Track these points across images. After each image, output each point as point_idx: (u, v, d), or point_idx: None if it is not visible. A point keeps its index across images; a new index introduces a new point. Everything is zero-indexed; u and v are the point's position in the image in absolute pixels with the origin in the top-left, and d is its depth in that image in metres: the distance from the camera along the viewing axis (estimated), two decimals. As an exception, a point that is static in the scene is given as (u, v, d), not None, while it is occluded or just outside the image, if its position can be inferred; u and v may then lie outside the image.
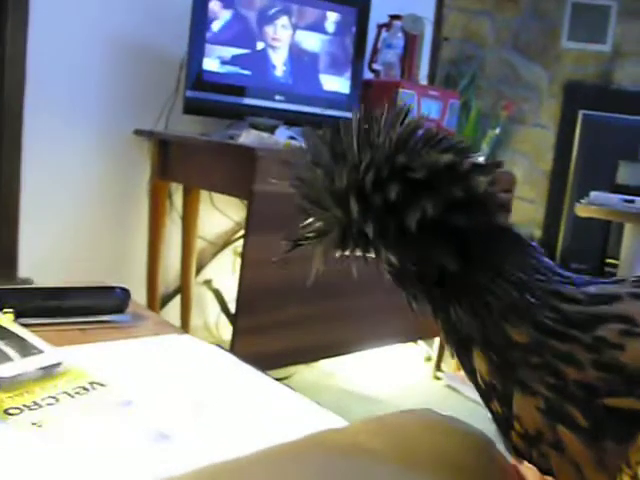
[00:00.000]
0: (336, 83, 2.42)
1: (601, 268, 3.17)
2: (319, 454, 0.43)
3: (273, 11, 2.23)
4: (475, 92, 3.04)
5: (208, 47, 2.13)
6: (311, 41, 2.33)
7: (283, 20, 2.25)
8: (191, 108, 2.16)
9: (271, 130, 2.10)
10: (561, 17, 2.98)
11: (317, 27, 2.34)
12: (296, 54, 2.31)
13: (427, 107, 2.46)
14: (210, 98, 2.16)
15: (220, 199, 2.48)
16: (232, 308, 2.55)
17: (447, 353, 2.83)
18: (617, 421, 0.38)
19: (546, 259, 0.43)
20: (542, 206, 3.33)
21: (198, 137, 2.21)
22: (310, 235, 0.44)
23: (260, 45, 2.25)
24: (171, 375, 0.72)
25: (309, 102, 2.35)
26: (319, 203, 0.43)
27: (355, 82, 2.44)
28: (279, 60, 2.28)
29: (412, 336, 2.61)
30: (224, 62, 2.17)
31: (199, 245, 2.53)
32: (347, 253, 0.44)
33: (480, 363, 0.42)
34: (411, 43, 2.64)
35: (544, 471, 0.43)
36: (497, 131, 2.73)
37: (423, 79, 2.95)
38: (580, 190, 2.85)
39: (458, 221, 0.41)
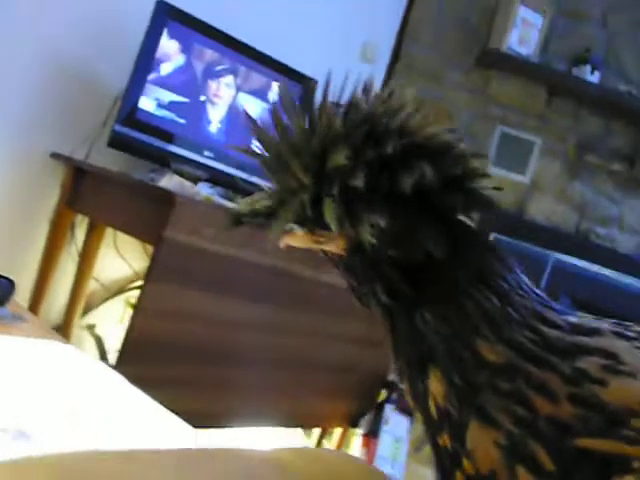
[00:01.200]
0: (267, 153, 2.41)
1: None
2: (237, 459, 0.37)
3: (220, 68, 2.22)
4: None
5: (148, 87, 2.09)
6: (252, 106, 2.33)
7: (228, 79, 2.24)
8: (116, 142, 2.08)
9: (194, 181, 2.05)
10: (489, 143, 3.11)
11: (260, 94, 2.34)
12: (234, 115, 2.29)
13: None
14: (138, 137, 2.10)
15: (124, 244, 2.37)
16: (111, 359, 2.40)
17: (324, 447, 2.74)
18: (589, 466, 0.33)
19: (526, 278, 0.39)
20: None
21: (117, 171, 2.13)
22: (264, 207, 0.39)
23: (201, 98, 2.22)
24: (44, 377, 0.63)
25: (237, 165, 2.31)
26: (286, 164, 0.38)
27: (286, 156, 2.43)
28: (216, 116, 2.25)
29: (293, 422, 2.52)
30: (161, 105, 2.13)
31: (91, 286, 2.39)
32: (302, 234, 0.39)
33: (436, 385, 0.37)
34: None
35: None
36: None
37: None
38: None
39: (454, 200, 0.38)
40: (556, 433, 0.34)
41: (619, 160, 3.13)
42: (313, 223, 0.39)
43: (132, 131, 2.09)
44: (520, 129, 3.13)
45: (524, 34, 3.05)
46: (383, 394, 2.50)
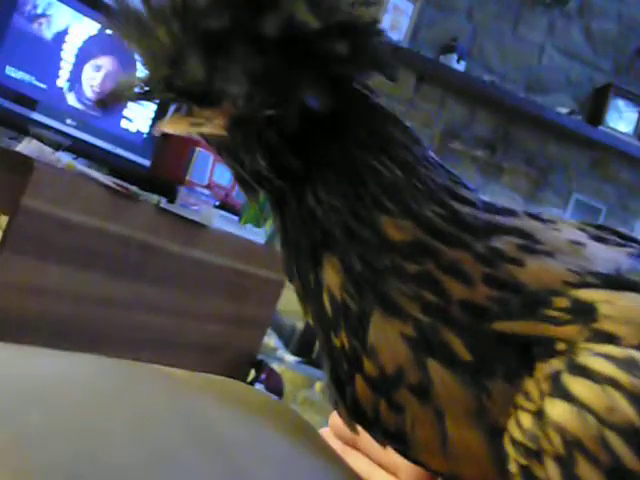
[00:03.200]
0: (135, 124, 2.31)
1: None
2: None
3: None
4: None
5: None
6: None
7: (94, 43, 2.12)
8: (-33, 105, 1.92)
9: (55, 148, 1.92)
10: (360, 126, 3.14)
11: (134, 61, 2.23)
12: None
13: (220, 172, 2.41)
14: (-7, 100, 1.95)
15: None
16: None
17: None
18: (509, 353, 0.30)
19: (433, 154, 0.36)
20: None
21: (-32, 136, 1.96)
22: (138, 80, 0.35)
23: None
24: None
25: (101, 135, 2.20)
26: (149, 30, 0.34)
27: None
28: (80, 83, 2.13)
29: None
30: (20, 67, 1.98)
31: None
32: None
33: (332, 275, 0.32)
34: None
35: (387, 436, 0.32)
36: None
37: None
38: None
39: (338, 48, 0.31)
40: (471, 319, 0.31)
41: (482, 147, 3.25)
42: (188, 95, 0.34)
43: (-14, 93, 1.93)
44: (390, 114, 3.18)
45: (395, 21, 3.10)
46: (252, 374, 2.47)
